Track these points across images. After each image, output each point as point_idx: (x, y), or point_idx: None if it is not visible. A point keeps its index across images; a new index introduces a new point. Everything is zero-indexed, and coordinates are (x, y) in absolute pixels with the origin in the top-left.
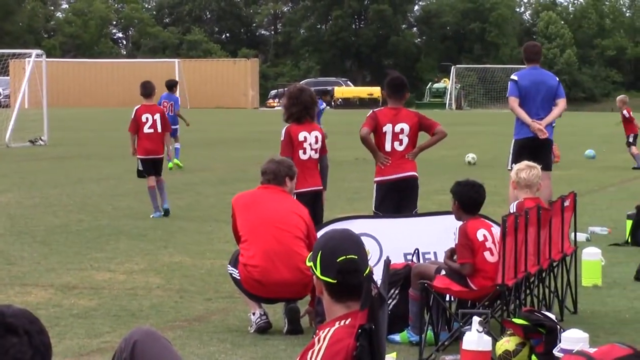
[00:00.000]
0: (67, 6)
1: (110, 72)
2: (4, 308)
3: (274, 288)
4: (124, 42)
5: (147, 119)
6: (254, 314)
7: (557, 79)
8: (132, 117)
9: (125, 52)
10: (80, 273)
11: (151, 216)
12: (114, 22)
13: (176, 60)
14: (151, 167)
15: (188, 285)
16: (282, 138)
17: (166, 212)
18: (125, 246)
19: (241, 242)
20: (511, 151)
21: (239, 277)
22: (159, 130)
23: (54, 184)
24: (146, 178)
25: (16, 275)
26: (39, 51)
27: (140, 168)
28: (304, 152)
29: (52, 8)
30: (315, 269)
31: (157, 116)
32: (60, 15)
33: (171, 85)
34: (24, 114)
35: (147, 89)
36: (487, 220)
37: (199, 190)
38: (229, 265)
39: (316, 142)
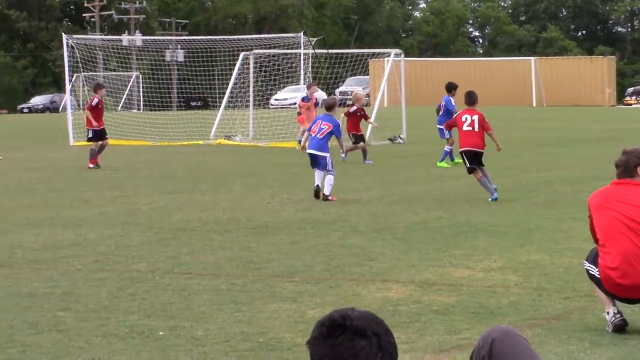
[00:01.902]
0: (424, 5)
1: (466, 71)
2: (349, 311)
3: (634, 290)
4: (480, 41)
5: (466, 119)
6: (607, 313)
7: None
8: (452, 118)
9: (481, 51)
10: (439, 270)
11: (489, 199)
12: (470, 21)
13: (532, 58)
14: (472, 160)
15: (546, 284)
16: None
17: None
18: (483, 244)
19: (599, 244)
20: None
21: (598, 276)
22: (477, 129)
23: (413, 181)
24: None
25: (377, 272)
26: (397, 50)
27: (460, 160)
28: None
29: (410, 8)
30: None
31: (475, 117)
32: (418, 15)
33: (450, 88)
34: (383, 112)
35: (470, 98)
36: None
37: (556, 189)
38: (585, 262)
39: None
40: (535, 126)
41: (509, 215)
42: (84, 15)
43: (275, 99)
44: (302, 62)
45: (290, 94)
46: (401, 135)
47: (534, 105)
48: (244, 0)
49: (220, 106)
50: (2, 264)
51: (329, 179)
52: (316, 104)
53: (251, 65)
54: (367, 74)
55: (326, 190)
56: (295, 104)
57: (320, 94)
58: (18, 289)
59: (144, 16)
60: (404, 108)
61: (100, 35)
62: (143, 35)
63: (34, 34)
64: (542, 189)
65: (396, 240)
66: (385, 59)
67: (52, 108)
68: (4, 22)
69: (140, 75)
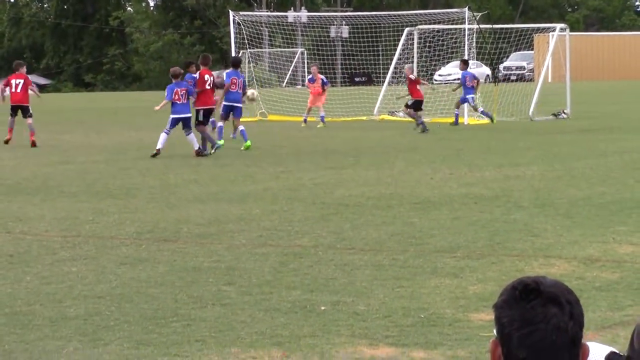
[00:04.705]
0: None
1: (632, 45)
2: (540, 278)
3: None
4: None
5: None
6: None
7: None
8: None
9: None
10: (602, 246)
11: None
12: None
13: None
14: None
15: None
16: None
17: None
18: None
19: None
20: None
21: None
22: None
23: (577, 157)
24: None
25: (539, 247)
26: (562, 25)
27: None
28: None
29: None
30: None
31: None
32: None
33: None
34: (547, 87)
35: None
36: None
37: None
38: None
39: None
40: None
41: None
42: None
43: (440, 75)
44: (466, 37)
45: (455, 70)
46: (565, 111)
47: None
48: None
49: (384, 82)
50: (168, 239)
51: (193, 137)
52: (323, 83)
53: (415, 41)
54: (532, 49)
55: (196, 146)
56: (458, 79)
57: (483, 70)
58: (183, 264)
59: None
60: (568, 83)
61: (267, 12)
62: (308, 11)
63: (202, 11)
64: None
65: (559, 216)
66: (550, 33)
67: (218, 84)
68: (172, 0)
69: (305, 52)
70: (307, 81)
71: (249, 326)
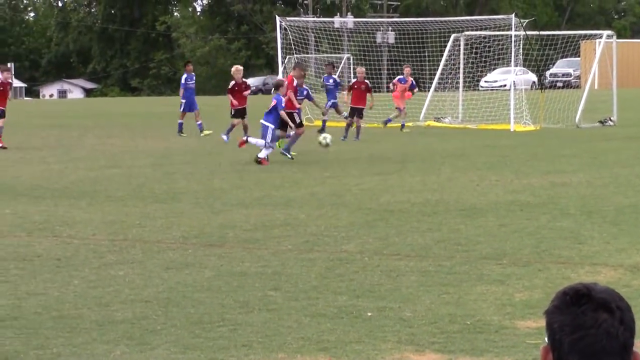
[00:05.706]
0: None
1: None
2: (592, 285)
3: None
4: None
5: None
6: None
7: None
8: None
9: None
10: None
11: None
12: None
13: None
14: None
15: None
16: None
17: None
18: None
19: None
20: None
21: None
22: None
23: (624, 164)
24: None
25: (586, 255)
26: (609, 32)
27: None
28: None
29: None
30: None
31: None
32: None
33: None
34: (594, 94)
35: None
36: None
37: None
38: None
39: None
40: None
41: None
42: None
43: (486, 81)
44: (512, 44)
45: (501, 76)
46: (612, 118)
47: None
48: None
49: (430, 88)
50: (215, 244)
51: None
52: (412, 86)
53: (461, 47)
54: (578, 56)
55: (260, 154)
56: (505, 85)
57: (529, 77)
58: (230, 268)
59: None
60: (614, 90)
61: (313, 17)
62: (354, 17)
63: (248, 16)
64: None
65: (606, 224)
66: (597, 40)
67: (265, 90)
68: (219, 5)
69: (351, 57)
70: (395, 79)
71: (296, 331)
